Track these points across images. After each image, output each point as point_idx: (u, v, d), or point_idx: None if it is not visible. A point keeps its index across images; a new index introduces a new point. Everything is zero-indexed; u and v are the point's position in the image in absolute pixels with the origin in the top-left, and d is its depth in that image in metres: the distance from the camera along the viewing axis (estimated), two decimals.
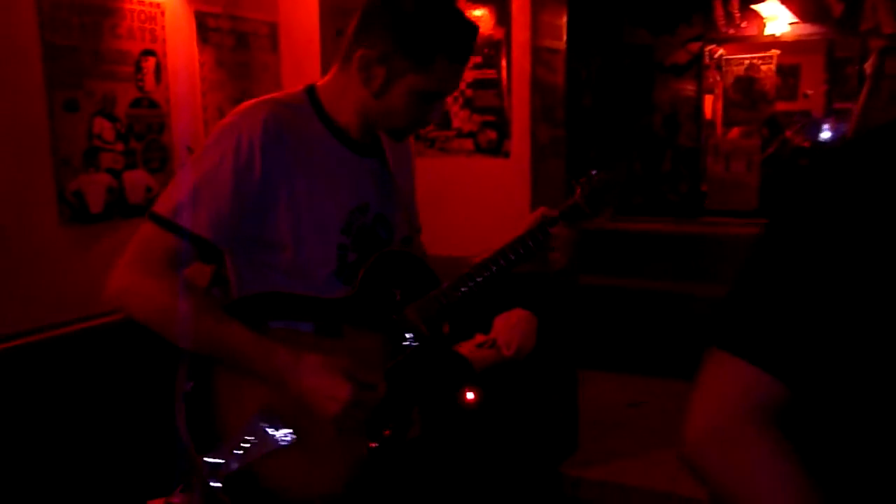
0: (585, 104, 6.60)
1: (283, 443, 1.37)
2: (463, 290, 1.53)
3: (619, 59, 6.54)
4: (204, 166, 1.37)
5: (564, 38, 3.68)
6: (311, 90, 1.53)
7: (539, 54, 3.41)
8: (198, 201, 1.35)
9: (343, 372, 1.34)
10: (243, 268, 1.50)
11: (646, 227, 5.81)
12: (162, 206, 1.36)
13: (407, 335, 1.51)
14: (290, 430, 1.38)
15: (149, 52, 2.87)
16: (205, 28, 3.11)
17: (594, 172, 1.62)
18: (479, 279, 1.53)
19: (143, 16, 2.83)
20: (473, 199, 3.44)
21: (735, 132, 6.81)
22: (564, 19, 3.67)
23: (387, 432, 1.45)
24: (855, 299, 0.89)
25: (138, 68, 2.83)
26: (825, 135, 6.98)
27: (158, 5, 2.89)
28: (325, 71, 3.58)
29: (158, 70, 2.90)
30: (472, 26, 1.48)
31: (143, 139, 2.87)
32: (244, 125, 1.39)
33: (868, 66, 5.25)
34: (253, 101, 1.45)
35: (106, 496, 2.53)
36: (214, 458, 1.32)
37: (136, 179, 2.85)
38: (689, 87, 6.34)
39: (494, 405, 3.09)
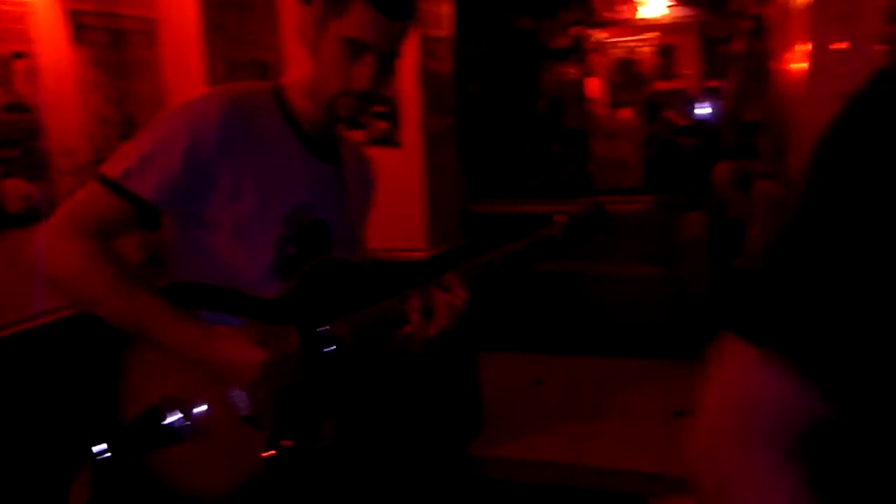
0: (474, 91, 6.68)
1: (181, 436, 1.35)
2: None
3: (506, 44, 6.65)
4: (157, 133, 1.40)
5: (450, 25, 3.72)
6: (277, 83, 1.55)
7: (426, 43, 3.44)
8: (146, 165, 1.36)
9: (257, 339, 1.35)
10: (182, 244, 1.49)
11: (538, 209, 5.95)
12: (109, 168, 1.37)
13: (328, 349, 1.46)
14: (190, 423, 1.36)
15: (19, 55, 2.73)
16: (79, 27, 2.98)
17: (587, 201, 1.58)
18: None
19: (10, 16, 2.69)
20: None
21: (622, 113, 7.04)
22: (449, 7, 3.71)
23: (289, 443, 1.42)
24: None
25: (8, 71, 2.69)
26: (701, 112, 7.27)
27: (27, 4, 2.75)
28: (208, 67, 3.50)
29: (30, 72, 2.77)
30: None
31: (18, 146, 2.73)
32: (203, 104, 1.42)
33: (736, 47, 5.53)
34: (219, 86, 1.50)
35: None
36: (109, 444, 1.30)
37: (14, 188, 2.72)
38: (573, 71, 6.52)
39: (397, 394, 3.12)
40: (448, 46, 3.71)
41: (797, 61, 3.27)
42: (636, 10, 6.41)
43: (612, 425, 4.06)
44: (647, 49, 6.86)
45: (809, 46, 2.81)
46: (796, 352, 0.68)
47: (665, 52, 7.03)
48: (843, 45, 2.58)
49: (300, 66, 1.51)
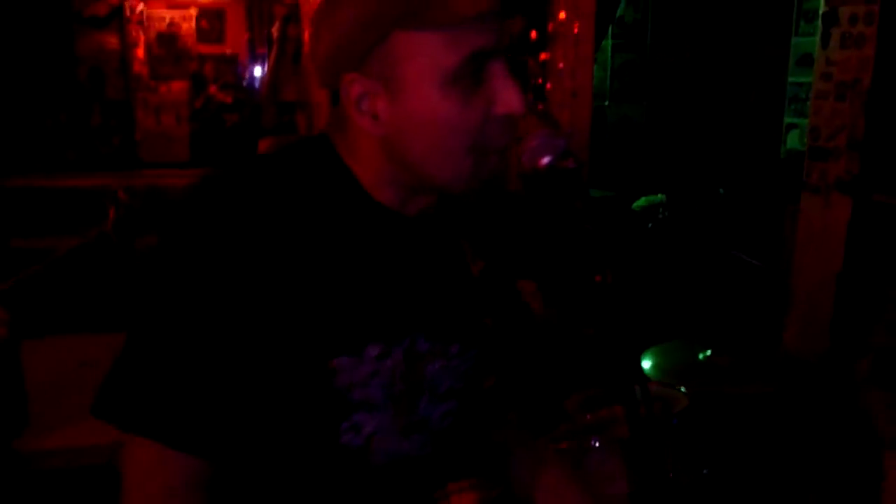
0: None
1: None
2: None
3: (34, 7, 6.15)
4: None
5: None
6: None
7: None
8: None
9: None
10: None
11: (82, 184, 5.68)
12: None
13: None
14: None
15: None
16: None
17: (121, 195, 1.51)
18: None
19: None
20: None
21: (168, 87, 6.90)
22: None
23: None
24: (239, 360, 0.92)
25: None
26: (250, 80, 7.34)
27: None
28: None
29: None
30: None
31: None
32: None
33: (274, 31, 5.88)
34: None
35: None
36: None
37: None
38: (113, 41, 6.30)
39: None
40: None
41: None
42: None
43: None
44: (188, 25, 6.84)
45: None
46: (160, 434, 0.92)
47: (214, 15, 6.94)
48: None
49: None
